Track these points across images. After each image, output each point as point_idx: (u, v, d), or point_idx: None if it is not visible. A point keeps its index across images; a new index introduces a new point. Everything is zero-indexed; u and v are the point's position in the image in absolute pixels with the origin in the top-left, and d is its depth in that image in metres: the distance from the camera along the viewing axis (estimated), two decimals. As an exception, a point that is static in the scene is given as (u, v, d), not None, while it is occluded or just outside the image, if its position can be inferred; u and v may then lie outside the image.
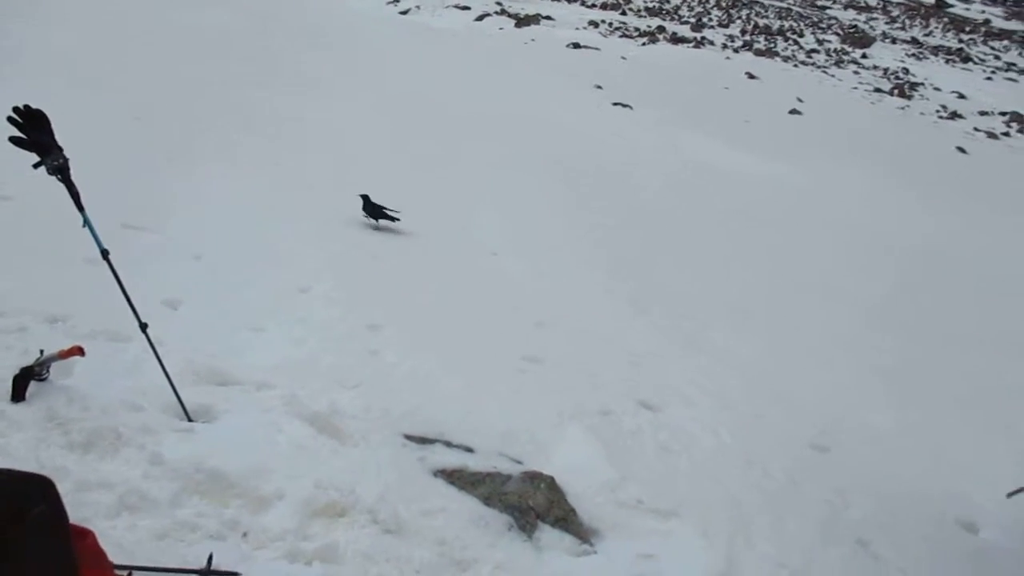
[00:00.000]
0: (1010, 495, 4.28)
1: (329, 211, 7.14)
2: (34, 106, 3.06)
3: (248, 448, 3.39)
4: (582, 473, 3.93)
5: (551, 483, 3.74)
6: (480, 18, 28.25)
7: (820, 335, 6.75)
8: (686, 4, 40.71)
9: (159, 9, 16.72)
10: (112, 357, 3.82)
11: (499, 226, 7.72)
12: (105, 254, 3.29)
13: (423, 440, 3.86)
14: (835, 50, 33.80)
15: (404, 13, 27.59)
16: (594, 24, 30.55)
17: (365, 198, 7.00)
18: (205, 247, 5.65)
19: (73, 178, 3.15)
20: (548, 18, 29.46)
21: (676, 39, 30.40)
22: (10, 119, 3.01)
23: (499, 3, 31.97)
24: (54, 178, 3.12)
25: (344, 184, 7.51)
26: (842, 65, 30.70)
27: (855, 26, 40.48)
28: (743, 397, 5.28)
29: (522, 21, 27.97)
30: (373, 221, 7.05)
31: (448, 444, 3.89)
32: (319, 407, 3.85)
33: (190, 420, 3.52)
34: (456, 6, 30.12)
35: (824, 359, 6.28)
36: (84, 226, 3.22)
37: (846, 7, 46.76)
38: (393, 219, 7.07)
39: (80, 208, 3.18)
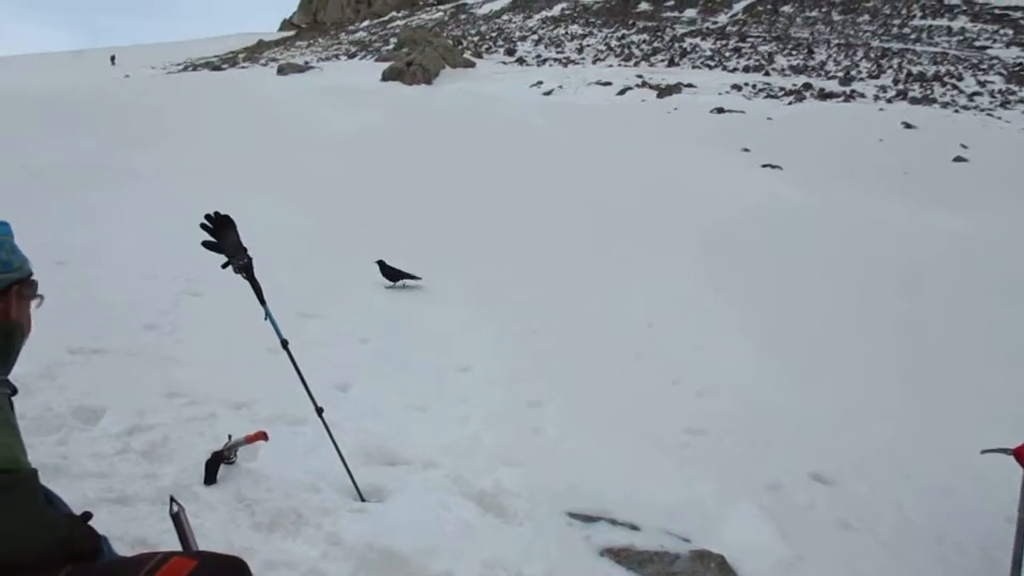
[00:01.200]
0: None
1: (484, 292, 7.36)
2: (222, 212, 3.39)
3: (418, 527, 3.47)
4: (754, 552, 3.75)
5: (722, 563, 3.60)
6: (622, 92, 28.70)
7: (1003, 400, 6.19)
8: (832, 59, 39.78)
9: (317, 113, 18.05)
10: (291, 440, 4.04)
11: (652, 297, 7.68)
12: (284, 344, 3.54)
13: (588, 518, 3.82)
14: (1000, 91, 31.90)
15: (548, 94, 28.47)
16: (737, 87, 30.34)
17: (380, 263, 7.30)
18: (370, 331, 5.96)
19: (256, 275, 3.44)
20: (690, 86, 29.55)
21: (824, 95, 29.68)
22: (202, 226, 3.34)
23: (640, 76, 32.43)
24: (239, 276, 3.42)
25: (493, 262, 7.75)
26: (1009, 106, 28.87)
27: (1021, 63, 38.10)
28: (924, 466, 4.91)
29: (664, 91, 28.19)
30: (391, 283, 7.31)
31: (613, 522, 3.82)
32: (484, 486, 3.91)
33: (363, 500, 3.65)
34: (598, 82, 30.79)
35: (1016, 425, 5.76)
36: (266, 319, 3.48)
37: (1008, 44, 44.22)
38: (414, 277, 7.34)
39: (262, 302, 3.45)
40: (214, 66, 61.35)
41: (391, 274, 7.31)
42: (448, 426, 4.56)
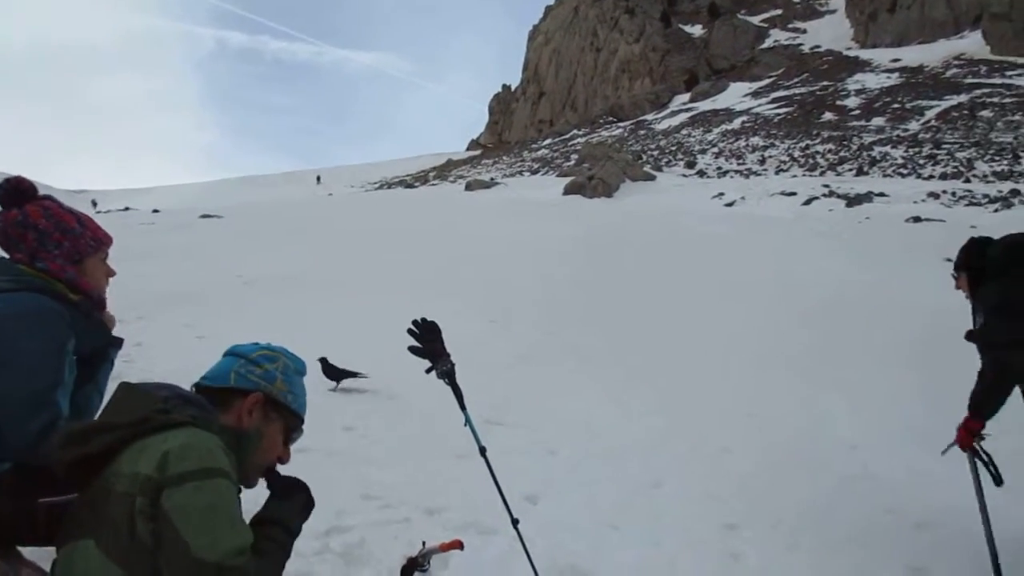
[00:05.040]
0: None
1: (673, 404, 7.12)
2: (428, 318, 3.47)
3: (614, 656, 3.26)
4: None
5: None
6: (808, 202, 27.89)
7: None
8: (1043, 163, 36.99)
9: (502, 226, 18.69)
10: (482, 550, 3.96)
11: (857, 417, 7.10)
12: (483, 451, 3.50)
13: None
14: None
15: (730, 205, 28.14)
16: (934, 195, 28.70)
17: (323, 361, 6.78)
18: (559, 442, 5.85)
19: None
20: (881, 195, 28.29)
21: (1036, 201, 27.42)
22: (410, 331, 3.43)
23: (826, 185, 31.46)
24: (441, 381, 3.45)
25: (680, 374, 7.50)
26: None
27: None
28: None
29: (853, 200, 27.12)
30: (334, 383, 6.82)
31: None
32: (684, 614, 3.63)
33: (556, 621, 3.48)
34: (782, 193, 30.11)
35: None
36: (466, 425, 3.47)
37: None
38: (358, 375, 6.87)
39: (463, 408, 3.45)
40: (407, 184, 65.92)
41: (334, 374, 6.88)
42: (642, 546, 4.32)
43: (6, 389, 2.17)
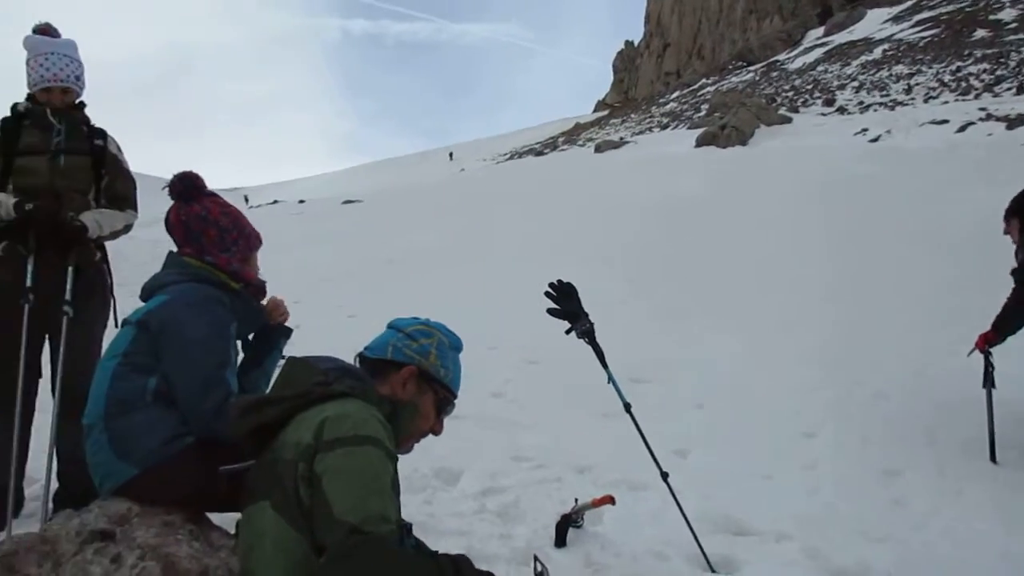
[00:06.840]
0: None
1: (819, 353, 6.90)
2: (565, 280, 3.54)
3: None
4: None
5: None
6: (962, 129, 25.89)
7: None
8: None
9: (633, 184, 18.47)
10: (634, 505, 4.02)
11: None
12: (628, 407, 3.56)
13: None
14: None
15: (874, 141, 26.56)
16: (1111, 108, 26.05)
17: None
18: (705, 396, 5.84)
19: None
20: (1048, 113, 25.91)
21: None
22: (547, 293, 3.51)
23: (982, 108, 29.14)
24: (581, 341, 3.52)
25: (826, 323, 7.24)
26: None
27: None
28: None
29: (1014, 122, 24.98)
30: None
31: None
32: (845, 562, 3.54)
33: (714, 572, 3.49)
34: (932, 122, 28.11)
35: None
36: (608, 383, 3.54)
37: None
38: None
39: (605, 366, 3.51)
40: (537, 152, 66.11)
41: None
42: (797, 495, 4.26)
43: (181, 372, 2.41)
